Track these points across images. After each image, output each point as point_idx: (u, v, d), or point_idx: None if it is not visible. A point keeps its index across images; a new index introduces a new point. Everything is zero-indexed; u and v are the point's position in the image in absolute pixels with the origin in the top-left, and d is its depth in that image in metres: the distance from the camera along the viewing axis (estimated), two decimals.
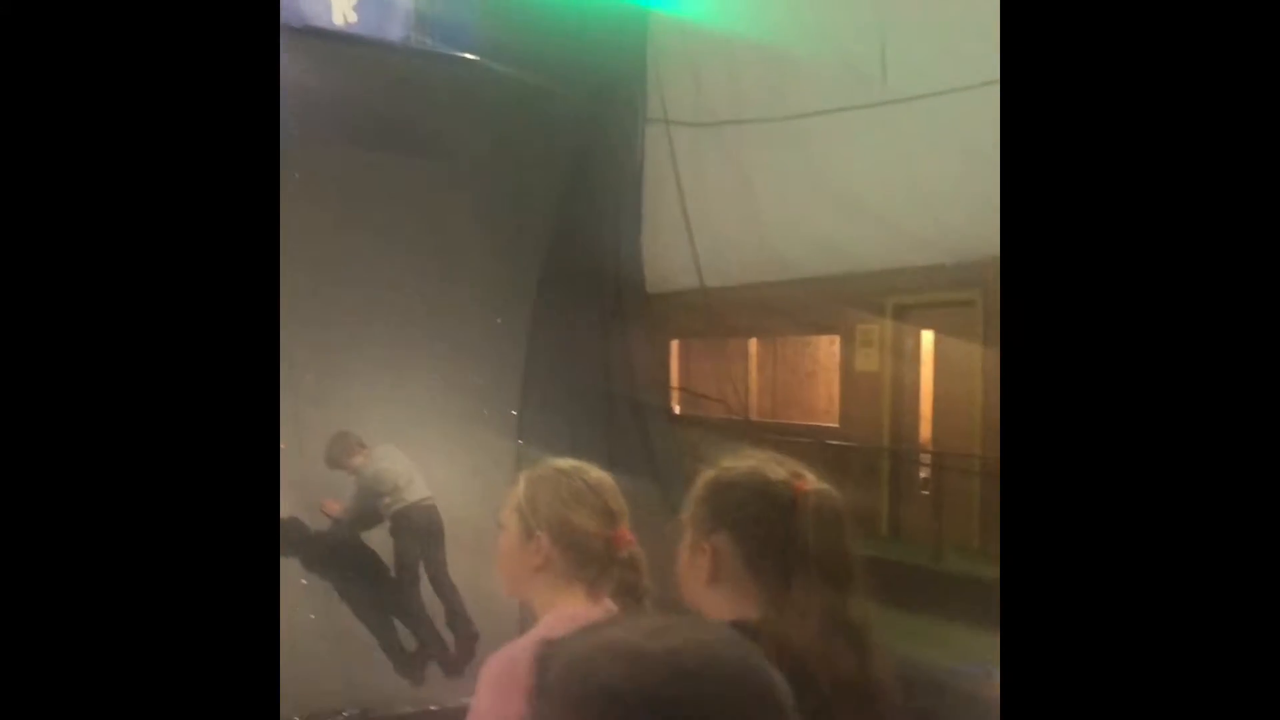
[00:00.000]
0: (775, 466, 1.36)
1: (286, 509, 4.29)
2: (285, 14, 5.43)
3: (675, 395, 6.76)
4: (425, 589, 4.66)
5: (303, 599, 4.12)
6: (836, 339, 6.27)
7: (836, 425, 6.33)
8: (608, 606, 1.65)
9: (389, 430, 4.67)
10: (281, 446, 4.18)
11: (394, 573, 4.61)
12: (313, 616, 4.18)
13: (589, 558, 1.70)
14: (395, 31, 5.83)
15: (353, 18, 5.73)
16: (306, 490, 4.30)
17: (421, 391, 4.80)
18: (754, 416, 7.08)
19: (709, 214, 5.81)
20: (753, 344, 7.60)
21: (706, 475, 1.41)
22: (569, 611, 1.70)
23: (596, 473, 1.76)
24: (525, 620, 2.21)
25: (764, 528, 1.32)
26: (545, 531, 1.71)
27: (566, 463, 1.77)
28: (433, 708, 4.57)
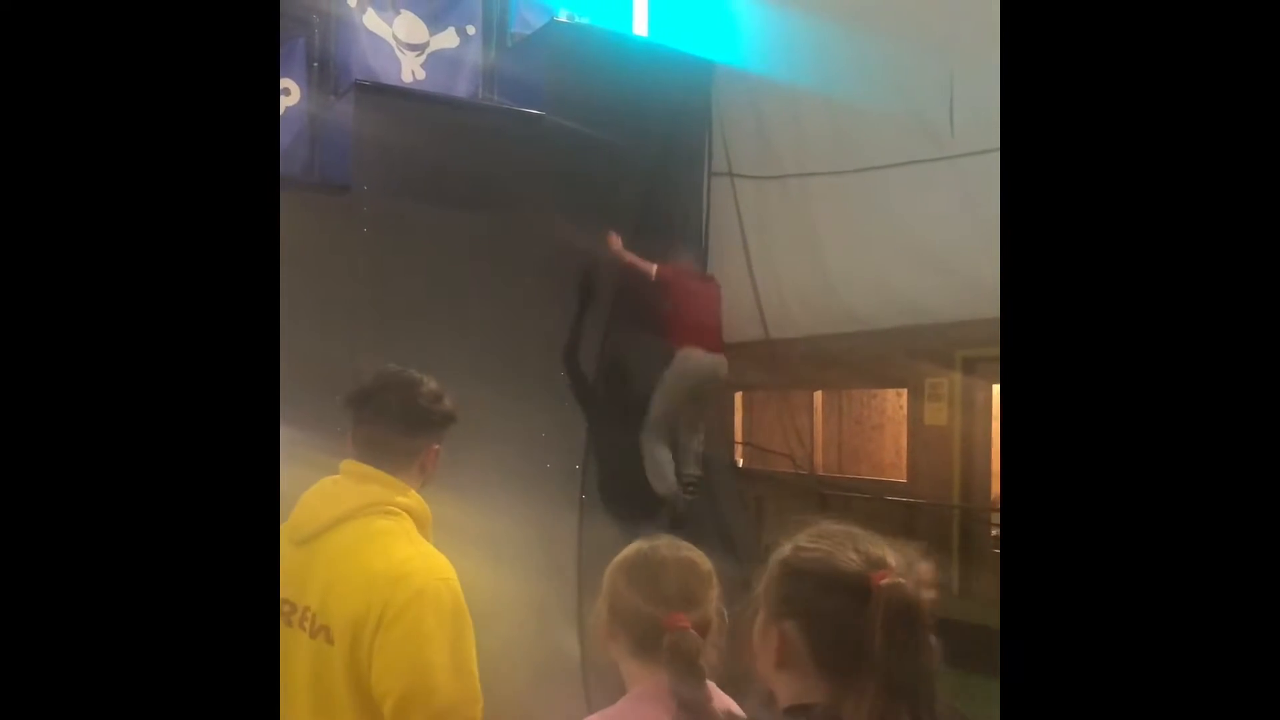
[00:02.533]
0: (851, 553, 1.29)
1: None
2: (355, 70, 5.56)
3: (739, 449, 6.68)
4: None
5: None
6: (904, 392, 6.17)
7: (904, 480, 6.20)
8: (666, 687, 1.64)
9: (453, 482, 4.66)
10: None
11: None
12: None
13: (639, 637, 1.73)
14: (463, 88, 5.93)
15: (421, 74, 5.85)
16: None
17: (486, 444, 4.80)
18: (819, 470, 6.97)
19: (774, 266, 5.77)
20: (818, 397, 7.50)
21: (781, 553, 1.34)
22: (637, 690, 1.76)
23: (671, 552, 1.78)
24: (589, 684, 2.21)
25: (832, 622, 1.26)
26: (606, 605, 1.79)
27: (649, 540, 1.81)
28: None
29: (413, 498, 2.08)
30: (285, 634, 1.95)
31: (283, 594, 1.97)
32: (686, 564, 1.77)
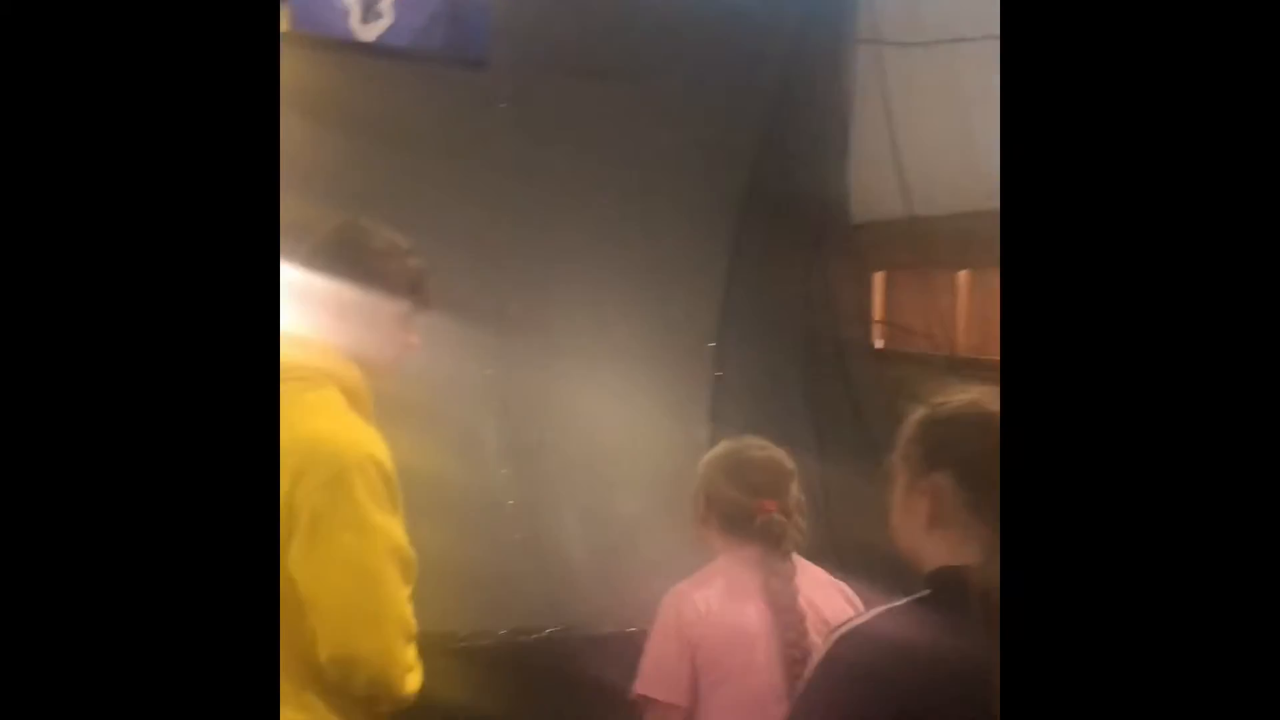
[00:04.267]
0: (994, 399, 1.30)
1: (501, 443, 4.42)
2: None
3: (878, 329, 6.56)
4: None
5: (509, 520, 4.26)
6: None
7: None
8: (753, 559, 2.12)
9: (588, 360, 4.74)
10: (488, 372, 4.33)
11: None
12: (518, 537, 4.32)
13: (730, 520, 2.20)
14: None
15: None
16: (511, 417, 4.41)
17: (619, 321, 4.84)
18: (961, 352, 6.79)
19: (919, 139, 5.54)
20: (962, 276, 7.26)
21: (919, 413, 1.36)
22: (722, 563, 2.21)
23: (758, 451, 2.22)
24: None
25: (988, 464, 1.25)
26: (703, 494, 2.26)
27: (738, 441, 2.28)
28: (631, 629, 4.68)
29: (343, 366, 1.80)
30: None
31: None
32: (773, 461, 2.22)
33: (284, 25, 4.98)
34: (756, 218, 5.38)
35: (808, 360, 5.62)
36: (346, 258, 1.89)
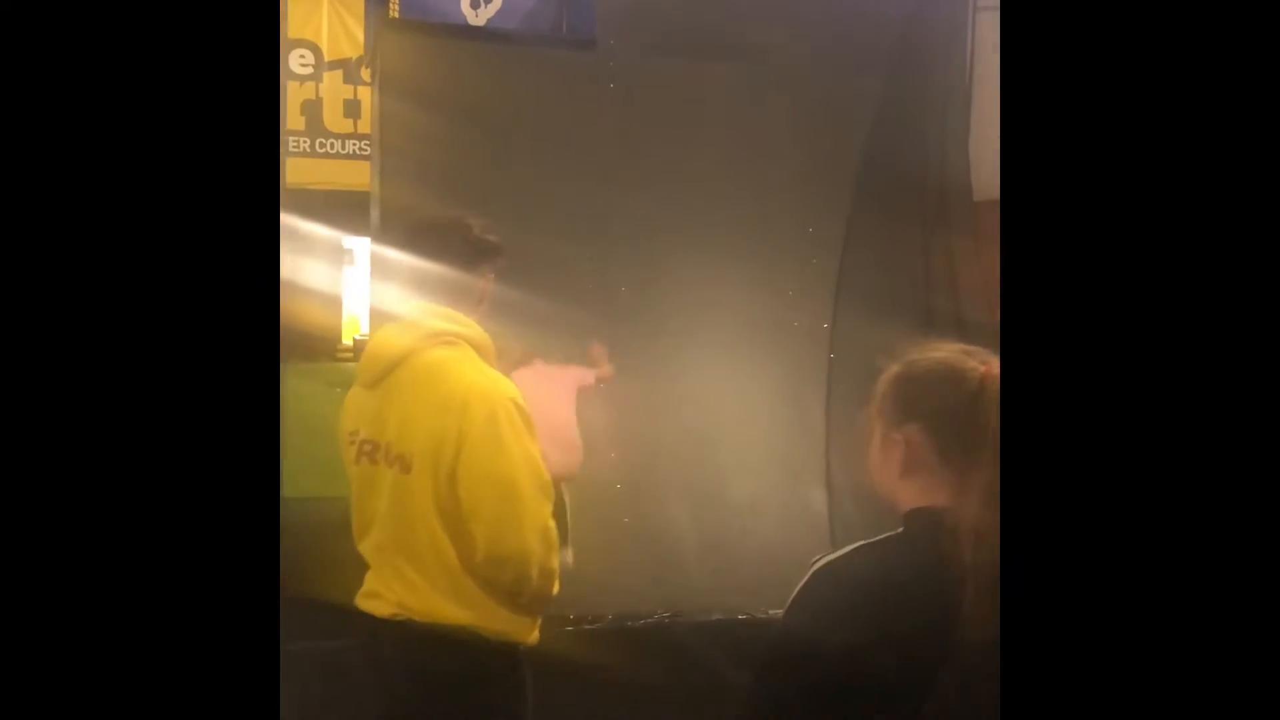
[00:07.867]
0: (964, 357, 1.42)
1: (610, 425, 4.41)
2: None
3: (1000, 309, 6.34)
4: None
5: (617, 503, 4.26)
6: None
7: None
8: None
9: (698, 342, 4.70)
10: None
11: None
12: (626, 520, 4.32)
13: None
14: None
15: None
16: (620, 400, 4.40)
17: (732, 302, 4.78)
18: None
19: None
20: None
21: (890, 373, 1.47)
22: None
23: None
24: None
25: (955, 416, 1.36)
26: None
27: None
28: (741, 616, 4.63)
29: (470, 327, 2.17)
30: (370, 471, 2.11)
31: (364, 434, 2.12)
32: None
33: (393, 11, 5.06)
34: (873, 197, 5.23)
35: (927, 342, 5.46)
36: (457, 239, 2.22)
